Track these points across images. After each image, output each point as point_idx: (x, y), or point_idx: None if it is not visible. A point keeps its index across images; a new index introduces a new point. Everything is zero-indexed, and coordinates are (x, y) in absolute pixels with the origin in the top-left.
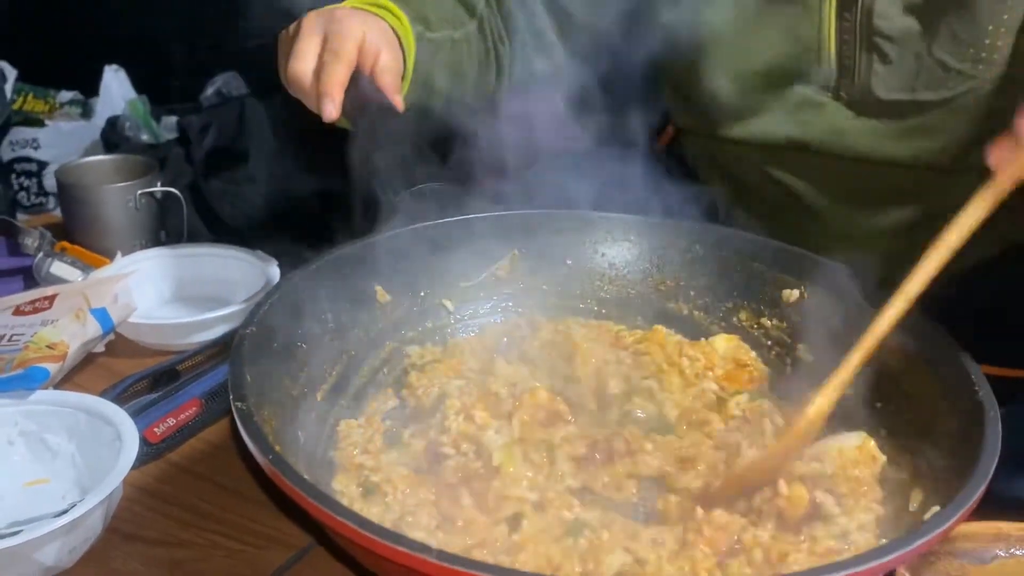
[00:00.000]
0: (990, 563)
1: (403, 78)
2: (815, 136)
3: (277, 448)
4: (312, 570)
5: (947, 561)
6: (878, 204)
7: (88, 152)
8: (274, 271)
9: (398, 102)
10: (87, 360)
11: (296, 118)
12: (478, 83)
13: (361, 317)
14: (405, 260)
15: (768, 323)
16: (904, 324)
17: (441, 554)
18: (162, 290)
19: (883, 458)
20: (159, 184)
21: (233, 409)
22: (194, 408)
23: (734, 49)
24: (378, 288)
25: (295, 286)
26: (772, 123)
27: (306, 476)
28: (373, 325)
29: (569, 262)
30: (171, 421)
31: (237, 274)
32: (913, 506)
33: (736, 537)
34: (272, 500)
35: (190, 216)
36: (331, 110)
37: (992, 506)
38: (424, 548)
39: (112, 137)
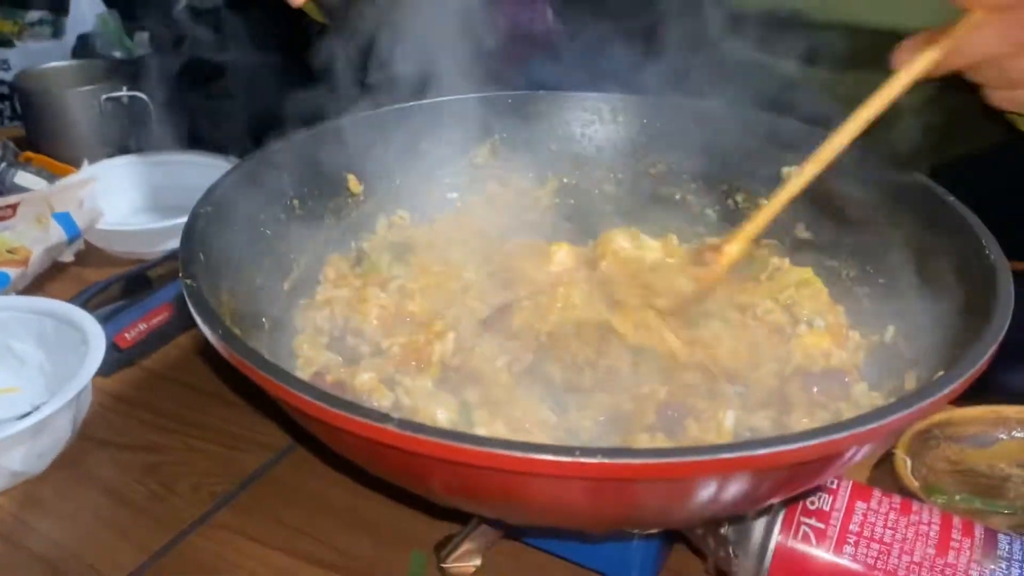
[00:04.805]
0: (991, 447)
1: None
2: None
3: (236, 331)
4: (292, 471)
5: (947, 445)
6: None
7: None
8: None
9: None
10: (57, 269)
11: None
12: None
13: (332, 205)
14: (376, 146)
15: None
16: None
17: (403, 423)
18: (133, 199)
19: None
20: (125, 89)
21: (183, 287)
22: (165, 313)
23: None
24: (350, 176)
25: (256, 168)
26: None
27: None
28: (346, 215)
29: (553, 147)
30: (142, 326)
31: (210, 182)
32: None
33: None
34: (250, 403)
35: (163, 128)
36: None
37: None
38: (384, 417)
39: (84, 55)
